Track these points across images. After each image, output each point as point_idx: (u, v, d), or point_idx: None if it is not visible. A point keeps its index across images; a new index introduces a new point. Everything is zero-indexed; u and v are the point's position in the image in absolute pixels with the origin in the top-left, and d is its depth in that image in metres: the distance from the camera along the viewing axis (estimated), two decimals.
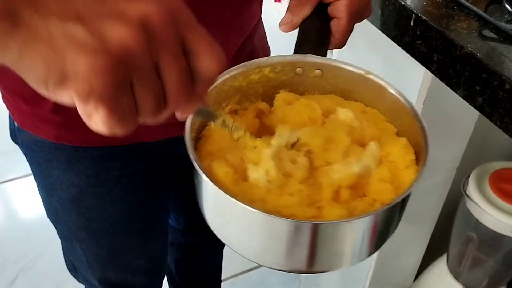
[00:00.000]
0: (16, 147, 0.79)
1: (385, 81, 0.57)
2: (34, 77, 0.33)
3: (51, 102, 0.65)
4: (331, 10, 0.61)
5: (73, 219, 0.79)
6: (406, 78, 0.88)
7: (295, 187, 0.48)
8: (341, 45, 0.62)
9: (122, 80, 0.33)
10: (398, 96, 0.56)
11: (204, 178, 0.45)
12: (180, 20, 0.35)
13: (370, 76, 0.57)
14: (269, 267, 0.49)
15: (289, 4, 0.61)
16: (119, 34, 0.32)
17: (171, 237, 1.11)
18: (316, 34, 0.60)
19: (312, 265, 0.47)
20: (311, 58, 0.58)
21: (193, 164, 0.46)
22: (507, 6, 0.73)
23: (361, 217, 0.45)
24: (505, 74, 0.62)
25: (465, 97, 0.69)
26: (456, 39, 0.68)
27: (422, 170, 0.49)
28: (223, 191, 0.44)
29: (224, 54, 0.37)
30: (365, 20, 0.84)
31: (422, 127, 0.52)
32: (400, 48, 0.78)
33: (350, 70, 0.58)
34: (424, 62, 0.75)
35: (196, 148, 0.53)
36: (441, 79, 0.72)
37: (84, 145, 0.70)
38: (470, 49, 0.66)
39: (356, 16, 0.61)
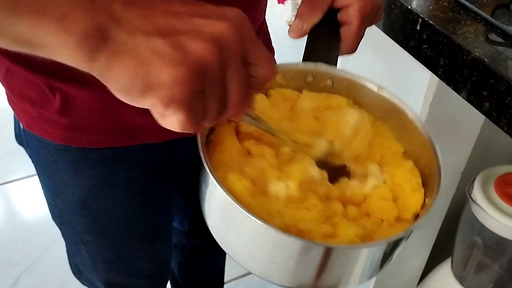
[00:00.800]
0: (17, 149, 0.79)
1: (398, 98, 0.56)
2: (119, 87, 0.36)
3: (57, 104, 0.65)
4: (341, 16, 0.60)
5: (78, 221, 0.79)
6: (412, 82, 0.88)
7: (312, 201, 0.48)
8: (351, 51, 0.61)
9: (199, 89, 0.37)
10: (411, 116, 0.55)
11: (220, 190, 0.44)
12: (245, 35, 0.39)
13: (383, 92, 0.56)
14: (273, 283, 0.48)
15: (298, 10, 0.60)
16: (197, 48, 0.36)
17: (174, 239, 1.11)
18: (326, 40, 0.59)
19: (318, 283, 0.47)
20: (324, 67, 0.57)
21: (209, 176, 0.45)
22: None
23: (378, 244, 0.46)
24: None
25: (472, 102, 0.69)
26: (463, 43, 0.68)
27: (436, 197, 0.48)
28: (240, 206, 0.43)
29: (275, 62, 0.42)
30: None
31: (436, 152, 0.51)
32: (406, 52, 0.78)
33: (362, 84, 0.57)
34: (430, 67, 0.74)
35: None
36: (448, 84, 0.72)
37: (90, 146, 0.70)
38: (477, 54, 0.66)
39: (367, 21, 0.60)
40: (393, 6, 0.78)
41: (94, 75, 0.36)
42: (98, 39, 0.35)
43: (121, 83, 0.36)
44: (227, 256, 1.26)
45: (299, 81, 0.58)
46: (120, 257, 0.86)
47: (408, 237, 0.50)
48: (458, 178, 1.06)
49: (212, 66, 0.36)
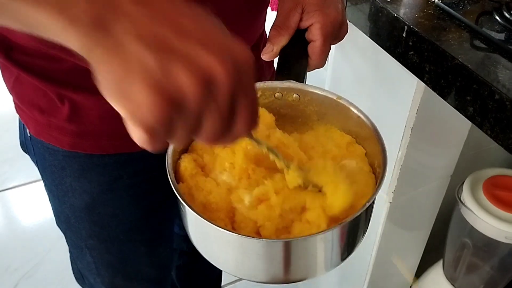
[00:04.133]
0: (16, 156, 0.80)
1: (354, 105, 0.61)
2: (104, 84, 0.36)
3: (66, 111, 0.68)
4: (307, 34, 0.65)
5: (84, 226, 0.80)
6: (400, 87, 0.90)
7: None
8: (319, 65, 0.66)
9: (168, 119, 0.35)
10: (364, 119, 0.60)
11: (183, 203, 0.51)
12: (242, 83, 0.37)
13: (341, 101, 0.62)
14: (248, 280, 0.53)
15: (268, 34, 0.66)
16: (182, 79, 0.34)
17: (174, 244, 1.12)
18: (294, 59, 0.65)
19: (288, 277, 0.52)
20: (289, 83, 0.63)
21: (173, 190, 0.52)
22: (497, 18, 0.74)
23: (328, 231, 0.50)
24: (494, 84, 0.64)
25: (456, 107, 0.71)
26: (447, 50, 0.70)
27: (377, 189, 0.53)
28: (200, 216, 0.49)
29: (258, 120, 0.41)
30: (359, 31, 0.86)
31: (383, 150, 0.56)
32: (393, 59, 0.80)
33: (323, 95, 0.63)
34: (416, 73, 0.76)
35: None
36: (433, 89, 0.74)
37: (98, 152, 0.72)
38: (460, 60, 0.68)
39: (331, 37, 0.65)
40: (380, 14, 0.80)
41: (85, 59, 0.36)
42: (100, 32, 0.34)
43: (105, 81, 0.36)
44: None
45: (269, 98, 0.64)
46: (124, 262, 0.88)
47: (365, 222, 0.55)
48: (448, 180, 1.07)
49: (190, 104, 0.35)
